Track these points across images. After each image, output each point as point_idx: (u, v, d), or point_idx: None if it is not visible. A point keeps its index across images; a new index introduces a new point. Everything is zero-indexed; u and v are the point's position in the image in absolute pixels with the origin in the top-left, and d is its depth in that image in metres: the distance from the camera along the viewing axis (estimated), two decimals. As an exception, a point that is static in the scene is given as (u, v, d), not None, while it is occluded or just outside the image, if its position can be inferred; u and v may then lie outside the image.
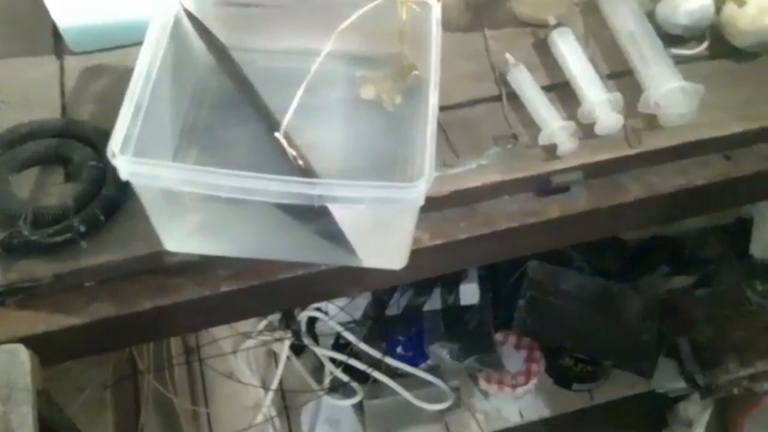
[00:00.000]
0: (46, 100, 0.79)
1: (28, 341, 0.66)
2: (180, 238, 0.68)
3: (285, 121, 0.65)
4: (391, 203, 0.60)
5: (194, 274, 0.71)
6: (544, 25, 0.85)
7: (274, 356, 1.45)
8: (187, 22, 0.73)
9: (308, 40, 0.76)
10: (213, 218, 0.67)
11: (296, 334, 1.38)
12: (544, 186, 0.77)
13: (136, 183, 0.61)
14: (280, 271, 0.72)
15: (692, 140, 0.78)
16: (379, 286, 1.13)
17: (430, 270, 0.81)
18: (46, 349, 0.67)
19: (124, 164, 0.58)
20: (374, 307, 1.34)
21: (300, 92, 0.66)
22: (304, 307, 1.33)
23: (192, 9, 0.73)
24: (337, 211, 0.62)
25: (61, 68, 0.82)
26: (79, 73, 0.82)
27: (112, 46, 0.83)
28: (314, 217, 0.63)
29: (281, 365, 1.39)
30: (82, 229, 0.68)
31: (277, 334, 1.40)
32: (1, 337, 0.67)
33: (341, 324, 1.36)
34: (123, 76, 0.80)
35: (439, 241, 0.74)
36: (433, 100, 0.64)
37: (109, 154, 0.58)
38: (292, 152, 0.62)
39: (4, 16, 0.86)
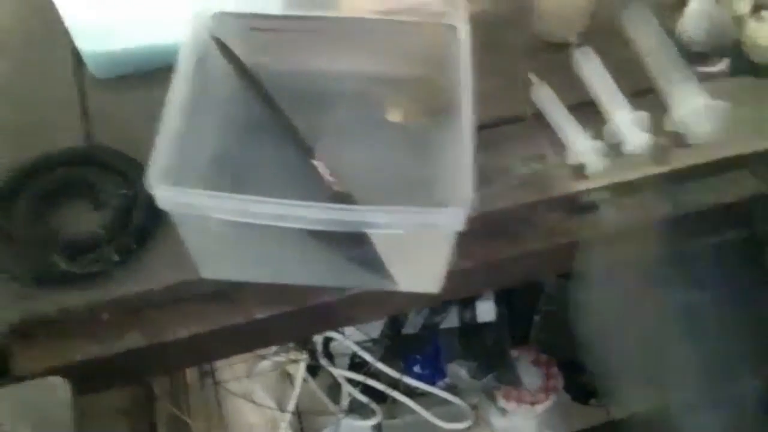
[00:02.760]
0: (69, 126, 0.79)
1: (61, 372, 0.66)
2: (215, 266, 0.67)
3: (318, 147, 0.65)
4: (432, 228, 0.59)
5: (227, 301, 0.71)
6: (566, 44, 0.86)
7: (288, 377, 1.44)
8: (213, 48, 0.72)
9: (334, 63, 0.76)
10: (248, 245, 0.67)
11: (312, 354, 1.38)
12: (573, 206, 0.77)
13: (175, 212, 0.60)
14: (313, 296, 0.72)
15: (719, 157, 0.79)
16: (411, 308, 1.13)
17: (462, 292, 0.81)
18: (80, 380, 0.67)
19: (164, 194, 0.58)
20: (391, 326, 1.33)
21: (331, 117, 0.67)
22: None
23: (218, 34, 0.72)
24: (375, 236, 0.62)
25: (83, 94, 0.82)
26: (101, 98, 0.82)
27: (134, 71, 0.83)
28: (351, 242, 0.63)
29: (297, 387, 1.38)
30: (116, 258, 0.68)
31: (293, 355, 1.39)
32: (35, 369, 0.67)
33: (357, 343, 1.36)
34: (145, 102, 0.80)
35: (469, 264, 0.74)
36: (468, 122, 0.64)
37: (147, 184, 0.58)
38: (329, 178, 0.62)
39: (24, 41, 0.86)
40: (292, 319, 0.72)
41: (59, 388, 0.61)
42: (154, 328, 0.69)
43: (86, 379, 0.69)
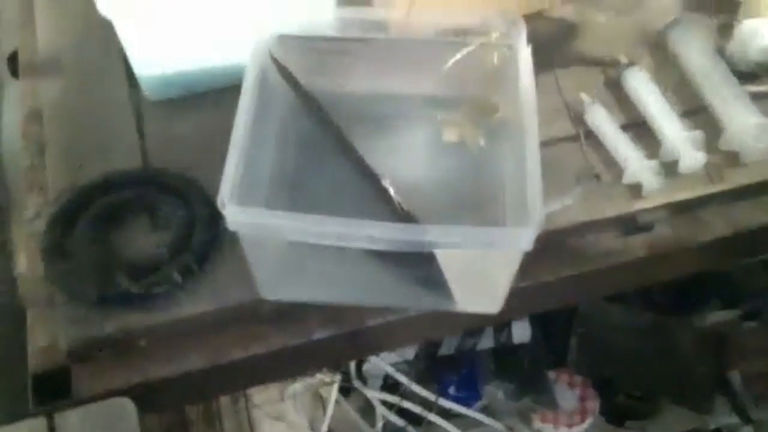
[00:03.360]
0: (126, 148, 0.79)
1: (124, 393, 0.66)
2: (277, 286, 0.67)
3: (377, 167, 0.65)
4: (502, 247, 0.59)
5: (287, 322, 0.71)
6: (613, 64, 0.86)
7: (320, 399, 1.43)
8: (272, 71, 0.73)
9: (391, 83, 0.77)
10: (312, 265, 0.67)
11: (345, 375, 1.37)
12: (629, 225, 0.77)
13: (245, 233, 0.60)
14: (371, 316, 0.71)
15: (774, 176, 0.78)
16: (468, 328, 1.12)
17: (519, 312, 0.80)
18: (142, 401, 0.67)
19: (236, 214, 0.58)
20: (426, 348, 1.33)
21: (388, 137, 0.67)
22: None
23: (277, 56, 0.73)
24: (442, 256, 0.62)
25: (138, 116, 0.82)
26: (156, 120, 0.82)
27: (187, 93, 0.83)
28: (417, 262, 0.63)
29: (330, 409, 1.37)
30: (178, 279, 0.68)
31: (326, 376, 1.38)
32: (98, 390, 0.67)
33: (391, 365, 1.35)
34: (199, 123, 0.82)
35: (527, 283, 0.74)
36: (533, 141, 0.64)
37: (219, 204, 0.58)
38: (397, 198, 0.62)
39: (79, 62, 0.87)
40: (351, 340, 0.72)
41: (126, 409, 0.61)
42: (214, 349, 0.69)
43: (146, 400, 0.68)
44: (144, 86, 0.82)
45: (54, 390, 0.66)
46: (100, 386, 0.67)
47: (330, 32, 0.74)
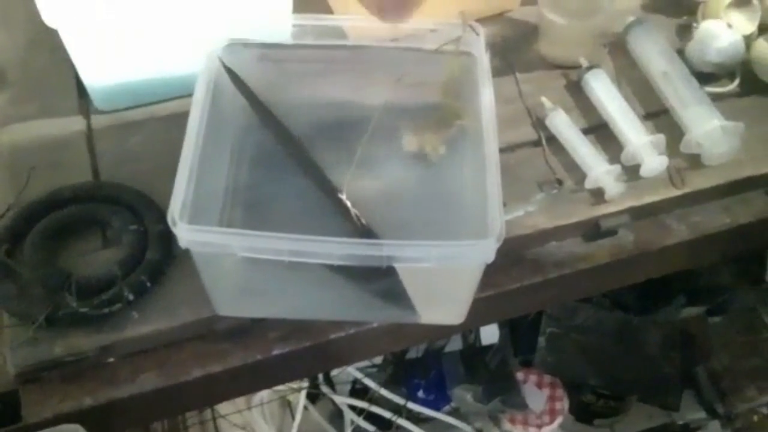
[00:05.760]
0: (76, 162, 0.77)
1: (73, 417, 0.64)
2: (234, 303, 0.65)
3: (335, 178, 0.63)
4: (463, 260, 0.58)
5: (244, 338, 0.69)
6: (574, 67, 0.85)
7: (288, 406, 1.41)
8: (225, 80, 0.71)
9: (350, 92, 0.75)
10: (268, 281, 0.65)
11: (312, 381, 1.35)
12: (592, 230, 0.76)
13: (198, 250, 0.58)
14: (331, 330, 0.70)
15: (736, 178, 0.78)
16: (432, 339, 1.11)
17: (482, 320, 0.79)
18: (93, 424, 0.65)
19: (186, 232, 0.56)
20: (394, 351, 1.32)
21: (348, 147, 0.65)
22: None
23: (232, 65, 0.71)
24: (402, 270, 0.60)
25: (89, 128, 0.80)
26: (107, 132, 0.80)
27: (139, 103, 0.81)
28: (376, 277, 0.61)
29: (298, 415, 1.35)
30: (130, 297, 0.66)
31: (294, 383, 1.36)
32: (47, 414, 0.64)
33: (359, 369, 1.34)
34: (151, 134, 0.79)
35: (490, 292, 0.73)
36: (493, 152, 0.63)
37: (169, 222, 0.56)
38: (355, 211, 0.60)
39: (24, 76, 0.84)
40: (311, 355, 0.70)
41: (78, 436, 0.59)
42: (169, 369, 0.67)
43: (99, 423, 0.66)
44: (93, 97, 0.79)
45: (2, 415, 0.64)
46: (50, 410, 0.64)
47: (286, 40, 0.72)
